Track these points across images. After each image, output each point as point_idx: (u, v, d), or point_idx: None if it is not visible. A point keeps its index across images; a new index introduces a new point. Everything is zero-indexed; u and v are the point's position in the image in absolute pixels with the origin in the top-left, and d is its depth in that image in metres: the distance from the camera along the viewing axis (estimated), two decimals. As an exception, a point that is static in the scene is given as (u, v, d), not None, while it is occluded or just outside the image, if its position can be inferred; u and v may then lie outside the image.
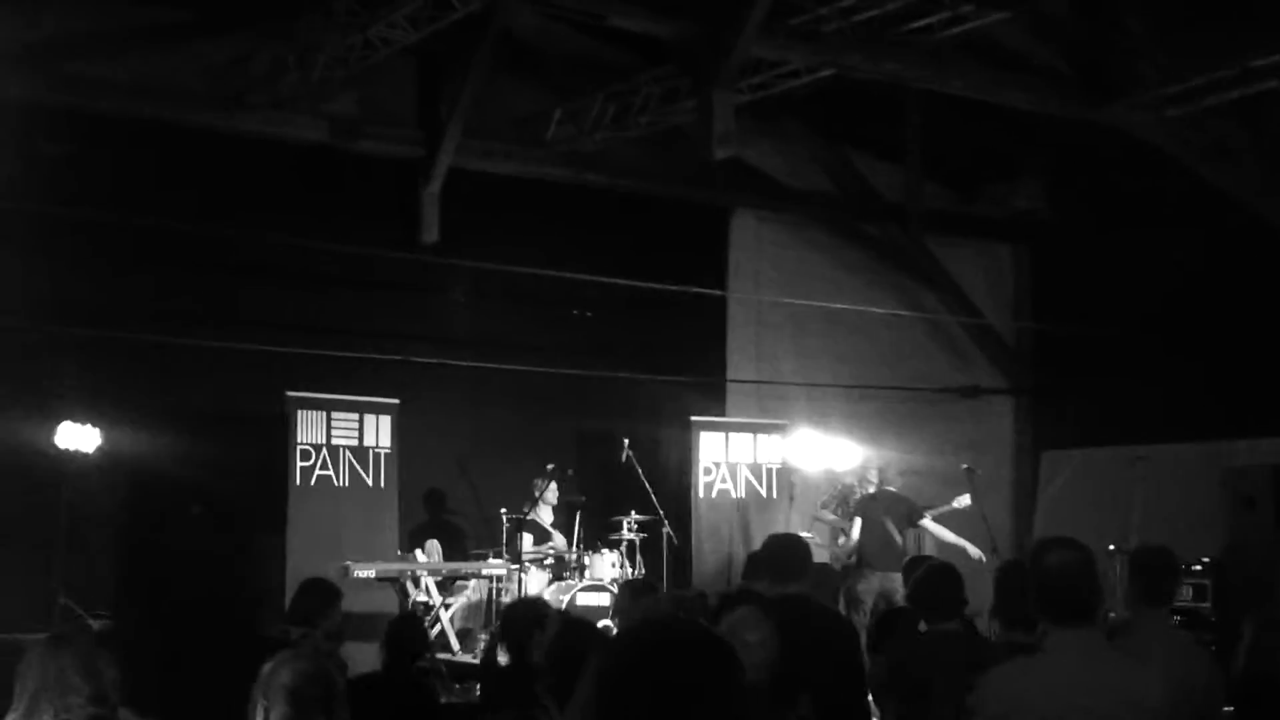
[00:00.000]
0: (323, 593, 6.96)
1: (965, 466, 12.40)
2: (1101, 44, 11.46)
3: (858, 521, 12.02)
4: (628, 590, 8.42)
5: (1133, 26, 11.10)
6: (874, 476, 12.35)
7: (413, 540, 12.25)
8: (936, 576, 6.12)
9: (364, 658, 7.66)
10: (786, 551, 6.49)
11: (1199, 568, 10.98)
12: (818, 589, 8.14)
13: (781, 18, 10.60)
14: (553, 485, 12.18)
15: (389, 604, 10.92)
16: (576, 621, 5.57)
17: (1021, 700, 3.99)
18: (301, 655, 5.02)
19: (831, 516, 12.99)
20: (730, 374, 14.98)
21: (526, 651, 6.20)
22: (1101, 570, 4.22)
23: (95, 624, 9.92)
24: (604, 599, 11.33)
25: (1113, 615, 8.92)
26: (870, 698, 6.21)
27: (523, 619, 6.49)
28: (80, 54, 11.48)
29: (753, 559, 8.41)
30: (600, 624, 8.79)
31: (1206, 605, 10.92)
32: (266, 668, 4.96)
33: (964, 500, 12.47)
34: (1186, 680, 4.74)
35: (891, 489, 12.18)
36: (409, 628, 7.12)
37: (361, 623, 9.03)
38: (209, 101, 11.94)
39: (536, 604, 7.54)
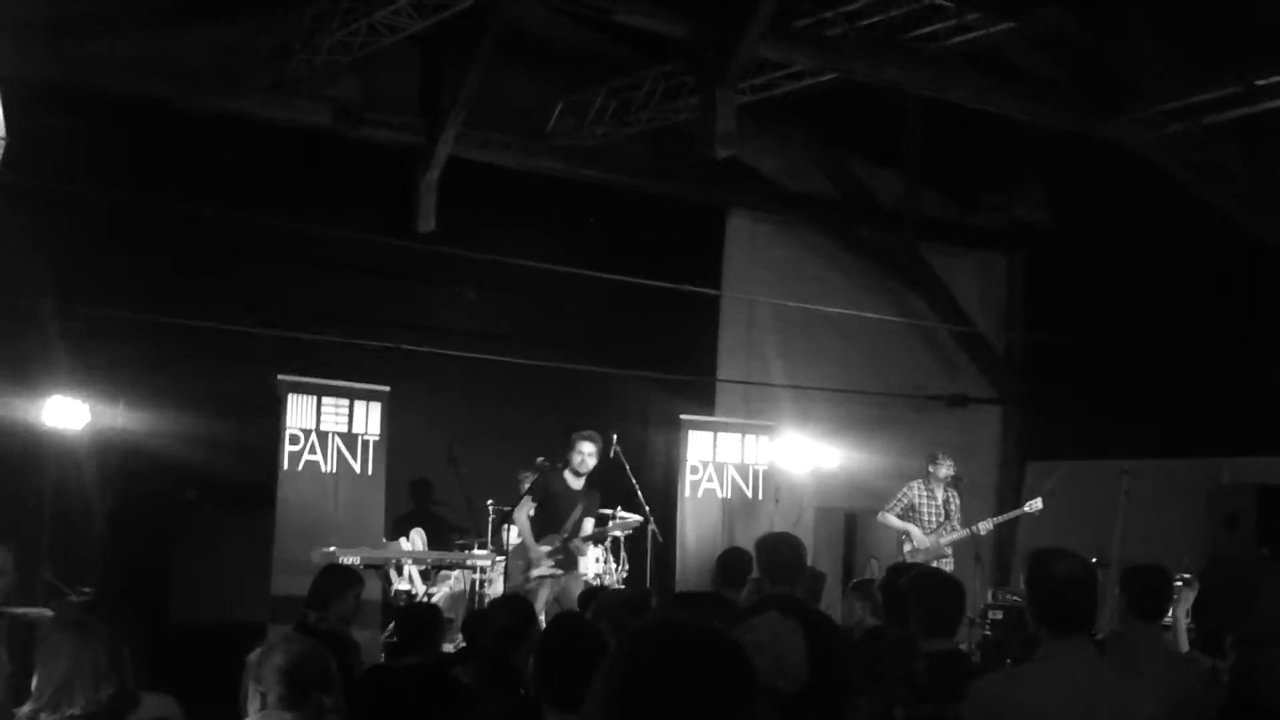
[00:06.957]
0: (339, 577, 7.04)
1: (953, 475, 12.38)
2: (1105, 57, 11.48)
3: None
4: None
5: (1138, 41, 11.12)
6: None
7: (398, 528, 12.25)
8: None
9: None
10: (785, 552, 6.29)
11: (1180, 583, 11.03)
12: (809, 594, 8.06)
13: (787, 20, 10.62)
14: (540, 478, 12.14)
15: (372, 591, 10.90)
16: (569, 617, 5.51)
17: (1014, 710, 3.97)
18: (293, 637, 5.01)
19: (896, 521, 12.41)
20: (721, 373, 14.98)
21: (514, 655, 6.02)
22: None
23: (76, 599, 9.90)
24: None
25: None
26: None
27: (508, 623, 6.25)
28: (84, 31, 11.43)
29: (724, 565, 7.97)
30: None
31: (1188, 620, 10.97)
32: (254, 655, 4.92)
33: (1036, 504, 12.55)
34: (1179, 695, 4.74)
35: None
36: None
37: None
38: (212, 82, 11.92)
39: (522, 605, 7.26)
